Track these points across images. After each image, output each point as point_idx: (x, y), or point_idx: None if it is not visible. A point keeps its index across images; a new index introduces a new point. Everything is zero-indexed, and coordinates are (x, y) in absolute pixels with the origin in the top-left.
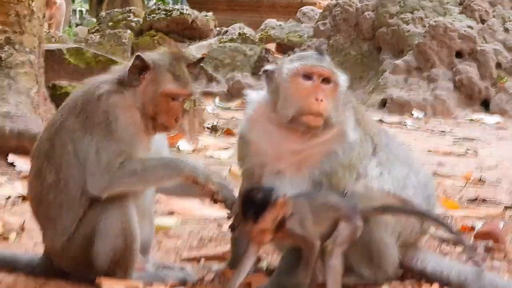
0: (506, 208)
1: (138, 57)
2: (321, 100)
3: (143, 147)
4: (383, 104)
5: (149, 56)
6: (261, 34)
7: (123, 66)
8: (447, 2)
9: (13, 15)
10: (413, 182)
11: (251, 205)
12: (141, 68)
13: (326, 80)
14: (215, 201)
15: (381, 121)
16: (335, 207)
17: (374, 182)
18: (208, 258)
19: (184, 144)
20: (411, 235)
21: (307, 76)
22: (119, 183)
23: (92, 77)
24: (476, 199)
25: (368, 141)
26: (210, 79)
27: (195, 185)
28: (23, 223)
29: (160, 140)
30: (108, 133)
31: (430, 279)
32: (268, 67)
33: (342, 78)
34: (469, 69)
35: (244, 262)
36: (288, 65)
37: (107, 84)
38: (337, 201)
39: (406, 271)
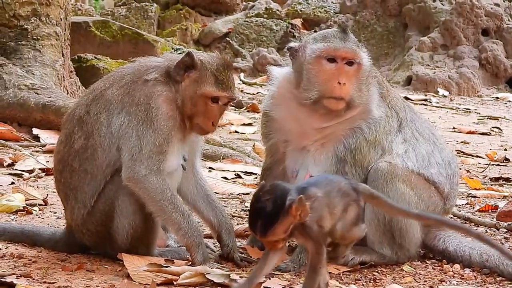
0: None
1: (188, 54)
2: (344, 84)
3: (177, 143)
4: (408, 81)
5: (199, 56)
6: (288, 9)
7: (176, 56)
8: None
9: None
10: (437, 159)
11: (259, 216)
12: (188, 65)
13: (350, 61)
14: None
15: (406, 98)
16: (346, 192)
17: (399, 159)
18: None
19: None
20: (439, 213)
21: (331, 59)
22: (148, 185)
23: (144, 57)
24: (499, 178)
25: (393, 117)
26: (236, 54)
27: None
28: (46, 196)
29: (195, 143)
30: (147, 120)
31: (452, 259)
32: (292, 44)
33: (365, 57)
34: (495, 47)
35: (260, 266)
36: (312, 45)
37: (157, 72)
38: (345, 184)
39: (428, 251)
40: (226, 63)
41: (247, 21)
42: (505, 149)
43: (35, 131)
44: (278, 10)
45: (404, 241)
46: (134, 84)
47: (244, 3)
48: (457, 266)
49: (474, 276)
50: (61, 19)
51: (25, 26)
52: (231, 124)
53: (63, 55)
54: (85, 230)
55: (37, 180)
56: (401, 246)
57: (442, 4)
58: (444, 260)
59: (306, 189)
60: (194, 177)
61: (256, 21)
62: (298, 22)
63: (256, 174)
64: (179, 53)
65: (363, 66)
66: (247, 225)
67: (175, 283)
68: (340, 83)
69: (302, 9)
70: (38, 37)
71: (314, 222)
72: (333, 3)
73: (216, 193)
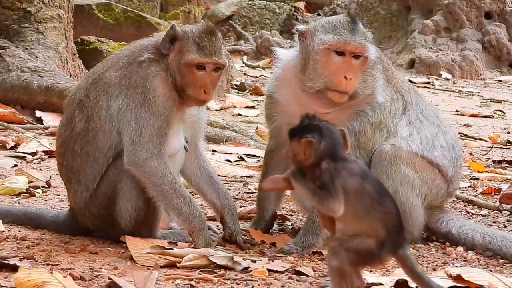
0: None
1: (172, 26)
2: (350, 79)
3: (178, 124)
4: (411, 64)
5: (184, 27)
6: None
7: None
8: None
9: None
10: (441, 142)
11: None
12: (172, 37)
13: (357, 55)
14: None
15: (409, 81)
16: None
17: (403, 141)
18: None
19: (211, 102)
20: (437, 198)
21: (339, 52)
22: (149, 170)
23: (141, 39)
24: (502, 161)
25: (399, 99)
26: (239, 37)
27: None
28: (49, 179)
29: (197, 124)
30: (145, 103)
31: (454, 242)
32: (300, 27)
33: (373, 49)
34: (498, 30)
35: None
36: (321, 35)
37: (149, 51)
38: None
39: (431, 234)
40: (209, 29)
41: (250, 4)
42: (508, 132)
43: (38, 113)
44: None
45: (407, 224)
46: (130, 66)
47: None
48: (460, 248)
49: (477, 259)
50: (64, 1)
51: (28, 9)
52: (234, 107)
53: (66, 37)
54: (88, 213)
55: (40, 163)
56: (405, 228)
57: None
58: (447, 243)
59: (335, 153)
60: (197, 158)
61: (259, 4)
62: (301, 5)
63: (259, 156)
64: None
65: (370, 59)
66: (250, 207)
67: (178, 265)
68: (347, 78)
69: None
70: (41, 20)
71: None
72: None
73: (219, 175)
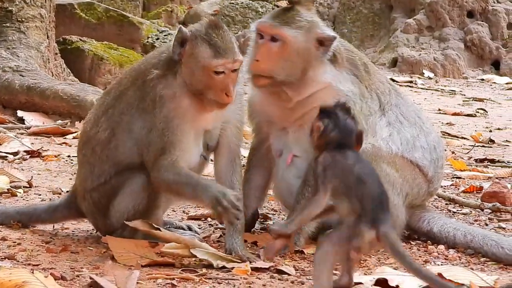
0: None
1: (180, 29)
2: (257, 60)
3: (194, 134)
4: (394, 63)
5: (190, 26)
6: None
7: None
8: None
9: None
10: (422, 143)
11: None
12: (182, 40)
13: (273, 38)
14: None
15: (392, 80)
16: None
17: (383, 142)
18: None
19: None
20: (418, 197)
21: (259, 35)
22: (155, 180)
23: (155, 51)
24: (484, 160)
25: (373, 99)
26: None
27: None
28: (31, 179)
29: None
30: (157, 120)
31: (436, 240)
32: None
33: (294, 35)
34: (480, 29)
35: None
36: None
37: (156, 67)
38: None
39: (413, 233)
40: (214, 24)
41: (233, 3)
42: (490, 131)
43: (20, 113)
44: None
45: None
46: (143, 86)
47: None
48: (441, 247)
49: (459, 257)
50: (45, 1)
51: (10, 8)
52: None
53: (48, 37)
54: (89, 196)
55: (21, 163)
56: None
57: None
58: (428, 241)
59: (341, 147)
60: (225, 165)
61: (242, 3)
62: (283, 3)
63: (244, 156)
64: (165, 35)
65: (289, 45)
66: None
67: (159, 251)
68: (256, 60)
69: None
70: (23, 19)
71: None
72: None
73: (203, 175)
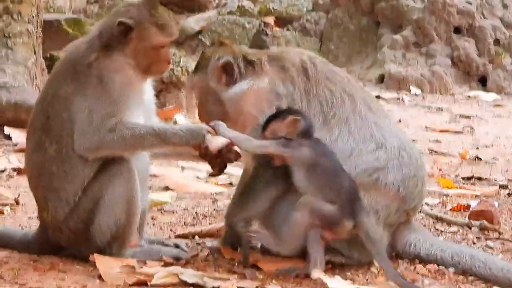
0: (501, 187)
1: (120, 23)
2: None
3: (136, 104)
4: (381, 79)
5: (129, 14)
6: (260, 7)
7: (100, 27)
8: None
9: None
10: (381, 163)
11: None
12: (126, 30)
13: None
14: (205, 155)
15: (378, 96)
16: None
17: None
18: (202, 235)
19: (181, 118)
20: (395, 216)
21: None
22: (108, 145)
23: (70, 45)
24: (471, 177)
25: (311, 105)
26: None
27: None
28: (18, 196)
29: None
30: (103, 95)
31: (424, 262)
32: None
33: (197, 79)
34: (467, 45)
35: None
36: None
37: (94, 51)
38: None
39: (400, 255)
40: (153, 4)
41: (220, 19)
42: (477, 148)
43: (7, 130)
44: (250, 8)
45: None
46: (80, 73)
47: (217, 1)
48: (429, 266)
49: (447, 276)
50: (33, 16)
51: None
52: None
53: (35, 53)
54: (65, 227)
55: (8, 180)
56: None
57: (414, 2)
58: (416, 259)
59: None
60: None
61: (229, 18)
62: (270, 20)
63: (228, 173)
64: None
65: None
66: (219, 225)
67: (148, 283)
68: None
69: (275, 7)
70: (10, 35)
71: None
72: (305, 1)
73: (187, 192)
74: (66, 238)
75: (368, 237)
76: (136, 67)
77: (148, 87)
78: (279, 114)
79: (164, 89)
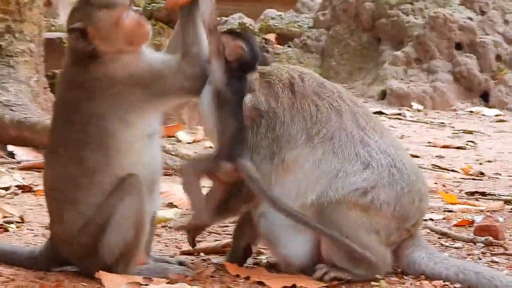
0: (506, 202)
1: (71, 29)
2: None
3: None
4: (382, 95)
5: (73, 15)
6: (261, 24)
7: (68, 46)
8: None
9: (13, 3)
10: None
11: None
12: (82, 34)
13: None
14: None
15: (380, 112)
16: None
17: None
18: (208, 252)
19: (183, 135)
20: (396, 235)
21: None
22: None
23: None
24: (475, 193)
25: (293, 121)
26: None
27: None
28: (23, 214)
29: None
30: (140, 83)
31: (429, 278)
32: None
33: None
34: (468, 61)
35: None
36: None
37: (80, 62)
38: None
39: (405, 272)
40: None
41: None
42: (480, 163)
43: (10, 147)
44: (251, 25)
45: (370, 261)
46: (93, 85)
47: (218, 18)
48: (436, 282)
49: None
50: (34, 35)
51: None
52: (206, 140)
53: (37, 71)
54: (76, 241)
55: (13, 197)
56: (369, 265)
57: (415, 18)
58: (422, 276)
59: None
60: None
61: None
62: (271, 37)
63: None
64: None
65: None
66: (225, 241)
67: None
68: None
69: (276, 24)
70: (12, 54)
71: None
72: (306, 18)
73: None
74: (75, 253)
75: (251, 179)
76: (121, 46)
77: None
78: (234, 34)
79: None
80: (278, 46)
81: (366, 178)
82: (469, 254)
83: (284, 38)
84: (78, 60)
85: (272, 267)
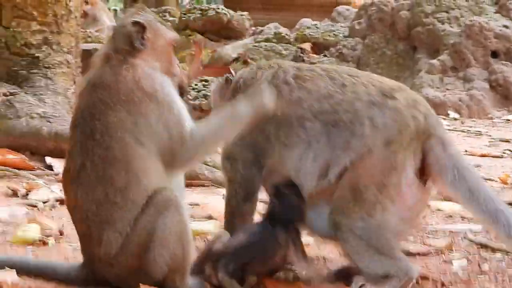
0: None
1: (135, 22)
2: None
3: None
4: None
5: (139, 17)
6: (297, 34)
7: (112, 41)
8: (483, 1)
9: (50, 15)
10: None
11: None
12: (141, 31)
13: None
14: None
15: None
16: None
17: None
18: None
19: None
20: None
21: None
22: (197, 154)
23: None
24: None
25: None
26: None
27: None
28: (62, 227)
29: None
30: (159, 106)
31: None
32: None
33: None
34: (504, 69)
35: None
36: None
37: (118, 65)
38: None
39: None
40: (144, 8)
41: (256, 46)
42: None
43: (48, 159)
44: (287, 34)
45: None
46: (119, 93)
47: (253, 28)
48: (436, 281)
49: None
50: (72, 46)
51: (37, 55)
52: None
53: (74, 82)
54: (116, 261)
55: (52, 210)
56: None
57: (451, 26)
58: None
59: None
60: None
61: (266, 45)
62: (307, 46)
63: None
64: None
65: None
66: None
67: None
68: None
69: (311, 33)
70: (50, 65)
71: None
72: (342, 27)
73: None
74: (116, 273)
75: None
76: (158, 68)
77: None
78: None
79: (202, 117)
80: (314, 55)
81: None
82: (509, 266)
83: (319, 47)
84: (114, 60)
85: (309, 282)
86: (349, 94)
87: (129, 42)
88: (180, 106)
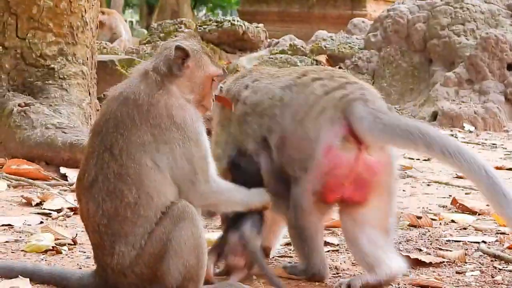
0: None
1: (178, 47)
2: None
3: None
4: (434, 116)
5: (184, 43)
6: (312, 46)
7: (154, 61)
8: (499, 14)
9: (66, 26)
10: None
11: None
12: (183, 56)
13: None
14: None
15: None
16: None
17: None
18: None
19: None
20: None
21: None
22: (214, 198)
23: (119, 85)
24: None
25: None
26: None
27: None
28: (75, 236)
29: None
30: (186, 140)
31: None
32: None
33: None
34: None
35: None
36: None
37: (154, 87)
38: None
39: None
40: (195, 37)
41: (272, 58)
42: None
43: (63, 170)
44: (302, 46)
45: None
46: (147, 113)
47: (268, 40)
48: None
49: None
50: (87, 58)
51: (52, 66)
52: None
53: (89, 94)
54: (130, 272)
55: (65, 219)
56: None
57: (466, 39)
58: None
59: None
60: None
61: (281, 57)
62: (323, 58)
63: None
64: None
65: None
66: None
67: None
68: None
69: (327, 45)
70: (65, 76)
71: None
72: (357, 39)
73: None
74: (129, 282)
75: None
76: (191, 99)
77: None
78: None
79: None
80: (329, 67)
81: None
82: None
83: (335, 59)
84: (151, 79)
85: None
86: (277, 84)
87: (167, 65)
88: (207, 145)
